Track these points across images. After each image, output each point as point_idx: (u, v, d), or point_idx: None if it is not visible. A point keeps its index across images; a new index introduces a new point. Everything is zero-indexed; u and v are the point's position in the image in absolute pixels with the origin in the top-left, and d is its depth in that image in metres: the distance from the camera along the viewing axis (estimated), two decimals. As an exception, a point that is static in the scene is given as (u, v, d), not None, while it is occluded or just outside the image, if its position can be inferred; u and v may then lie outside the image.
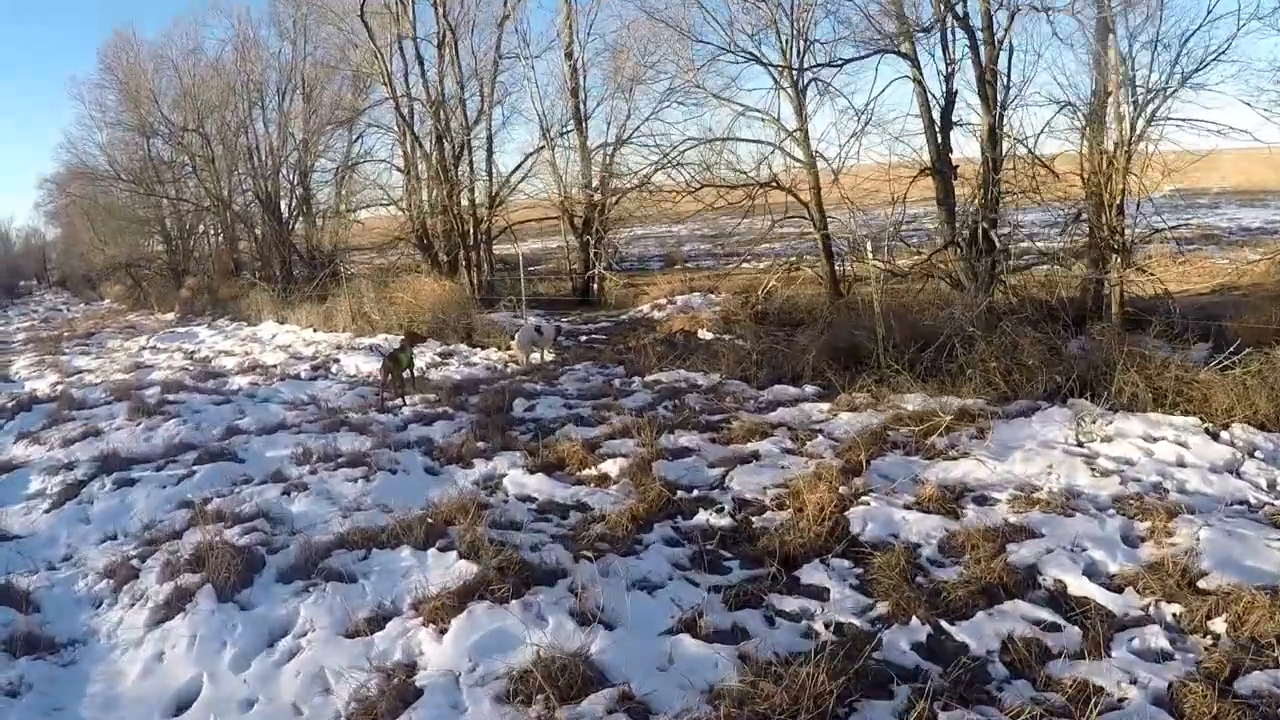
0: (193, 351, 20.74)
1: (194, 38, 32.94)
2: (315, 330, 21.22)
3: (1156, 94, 14.02)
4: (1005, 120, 14.66)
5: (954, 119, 15.20)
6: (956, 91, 14.94)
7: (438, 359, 15.86)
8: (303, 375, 16.01)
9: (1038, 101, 17.03)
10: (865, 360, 11.91)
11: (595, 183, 22.60)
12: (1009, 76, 14.50)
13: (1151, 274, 14.67)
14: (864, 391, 10.75)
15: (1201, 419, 8.65)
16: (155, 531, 8.23)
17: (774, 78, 17.54)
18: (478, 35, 24.19)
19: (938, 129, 15.27)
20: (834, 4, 16.66)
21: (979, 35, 14.36)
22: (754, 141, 17.87)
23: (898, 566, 6.19)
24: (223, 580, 6.71)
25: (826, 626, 5.60)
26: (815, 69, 17.10)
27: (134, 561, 7.49)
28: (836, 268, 17.90)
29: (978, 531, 6.65)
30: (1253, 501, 7.04)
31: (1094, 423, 8.62)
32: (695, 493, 8.19)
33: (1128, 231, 14.64)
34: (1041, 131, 14.79)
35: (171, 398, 14.19)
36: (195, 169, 31.77)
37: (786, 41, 17.54)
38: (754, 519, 7.39)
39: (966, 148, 15.97)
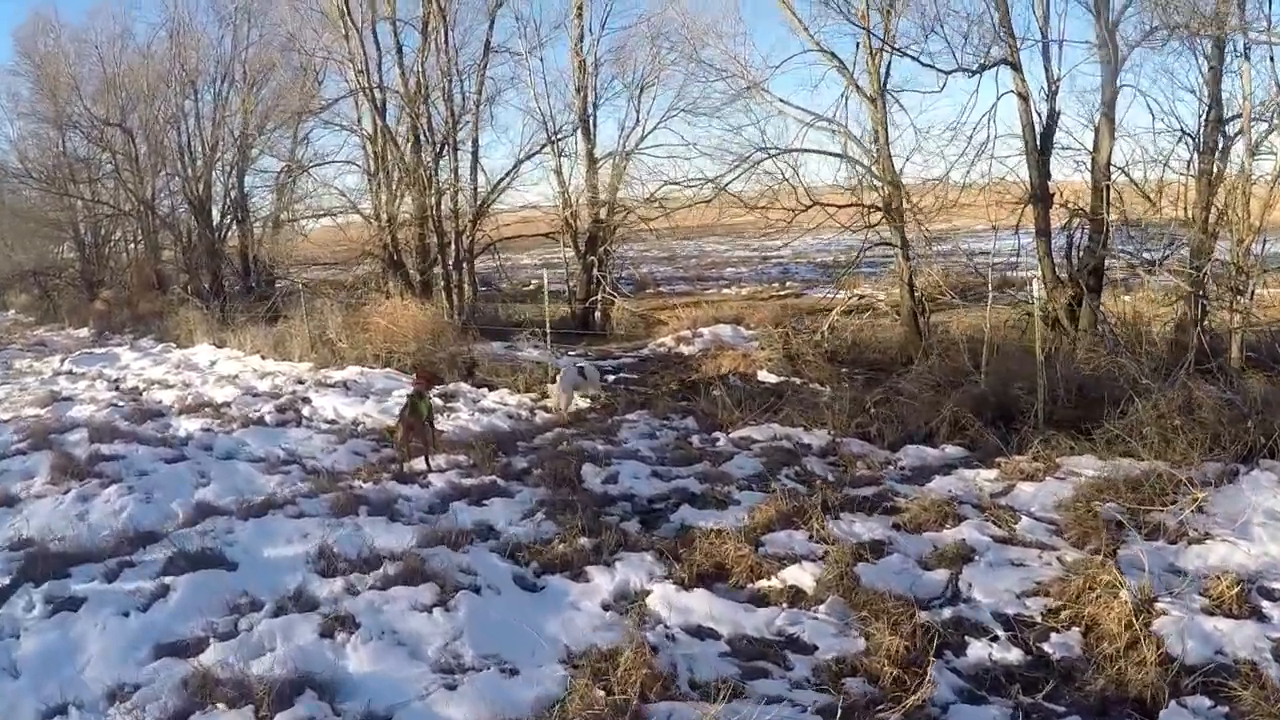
0: (117, 379, 17.22)
1: (122, 21, 29.23)
2: (264, 358, 17.86)
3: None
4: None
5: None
6: (1059, 112, 13.51)
7: (440, 403, 12.69)
8: (268, 420, 12.79)
9: (1138, 127, 14.75)
10: (1016, 416, 10.33)
11: (603, 194, 19.49)
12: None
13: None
14: (1025, 454, 9.33)
15: None
16: (130, 706, 5.19)
17: (859, 87, 14.86)
18: (469, 21, 21.00)
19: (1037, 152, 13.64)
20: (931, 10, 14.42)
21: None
22: (837, 156, 15.16)
23: (1264, 697, 4.97)
24: None
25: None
26: (895, 87, 15.01)
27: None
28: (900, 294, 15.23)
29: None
30: None
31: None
32: (937, 611, 6.21)
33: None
34: (1142, 159, 13.37)
35: (106, 449, 10.93)
36: (116, 168, 28.01)
37: (874, 51, 14.90)
38: (1042, 645, 5.78)
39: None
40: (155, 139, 27.17)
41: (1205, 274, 12.65)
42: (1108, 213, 13.06)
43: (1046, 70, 13.57)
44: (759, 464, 9.68)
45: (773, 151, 14.82)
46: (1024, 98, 13.50)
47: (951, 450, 9.84)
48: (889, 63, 15.07)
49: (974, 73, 13.85)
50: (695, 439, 10.98)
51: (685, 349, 16.66)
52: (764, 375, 14.03)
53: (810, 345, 14.54)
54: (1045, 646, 5.76)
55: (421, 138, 19.58)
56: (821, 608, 6.24)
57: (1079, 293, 13.07)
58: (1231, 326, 12.49)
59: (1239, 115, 13.63)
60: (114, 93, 27.58)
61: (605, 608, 6.37)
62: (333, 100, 21.40)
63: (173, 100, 26.48)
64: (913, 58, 14.42)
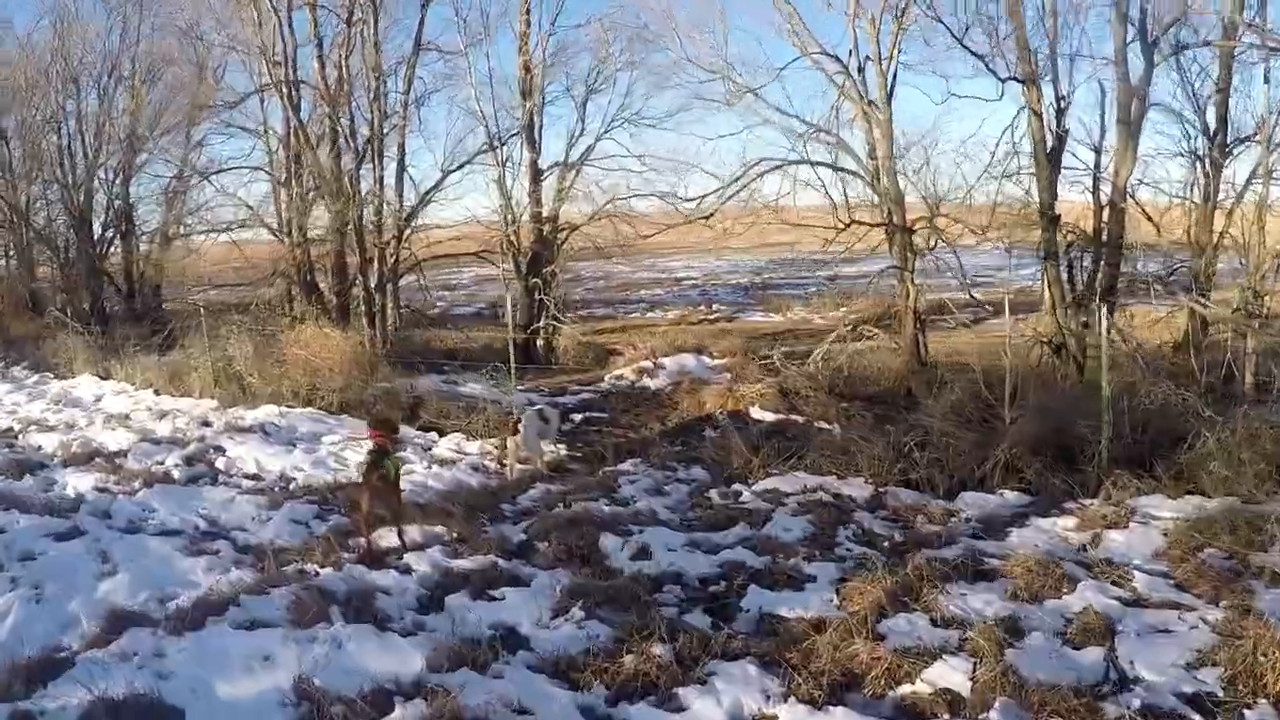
0: (-15, 418, 14.71)
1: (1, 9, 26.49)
2: (159, 394, 15.50)
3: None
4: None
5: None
6: (1068, 130, 12.88)
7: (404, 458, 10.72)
8: (176, 475, 10.67)
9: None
10: (1078, 456, 9.55)
11: (547, 208, 17.53)
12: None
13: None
14: (1095, 497, 8.80)
15: None
16: None
17: (861, 94, 13.47)
18: (399, 11, 18.83)
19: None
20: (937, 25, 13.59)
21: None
22: (843, 170, 13.61)
23: None
24: None
25: None
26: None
27: None
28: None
29: None
30: None
31: None
32: (1116, 700, 5.35)
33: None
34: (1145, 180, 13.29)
35: (-25, 521, 8.70)
36: (-13, 172, 25.07)
37: (882, 60, 13.63)
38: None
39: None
40: (32, 141, 24.52)
41: (1245, 299, 12.43)
42: (1116, 234, 12.51)
43: (1055, 87, 12.85)
44: (806, 524, 8.47)
45: (779, 164, 13.18)
46: (1038, 115, 12.60)
47: (1011, 496, 9.08)
48: (895, 74, 13.80)
49: (1002, 80, 12.89)
50: (714, 494, 9.62)
51: (650, 382, 15.01)
52: (757, 412, 12.49)
53: (804, 378, 12.92)
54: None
55: (342, 141, 17.41)
56: (993, 714, 5.15)
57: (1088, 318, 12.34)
58: (1246, 350, 12.21)
59: (1250, 137, 13.49)
60: (-14, 90, 24.71)
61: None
62: (243, 96, 19.11)
63: (53, 99, 23.82)
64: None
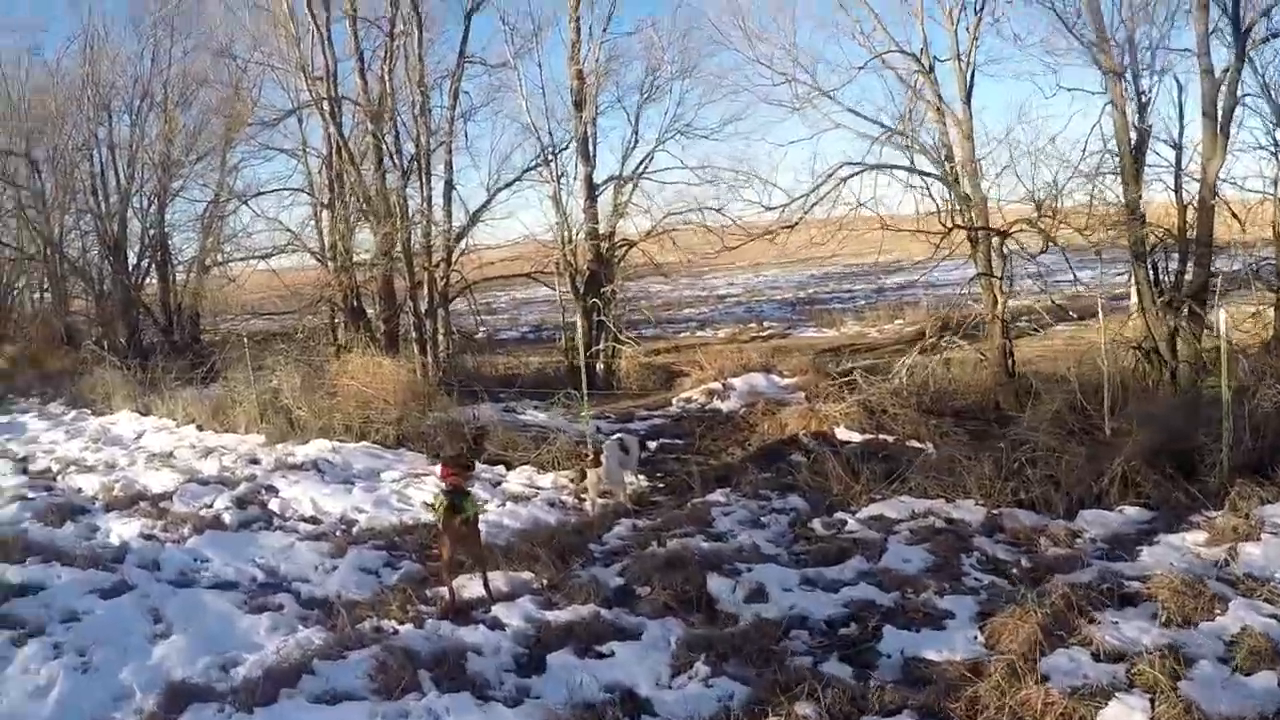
0: (24, 458, 13.95)
1: (30, 37, 26.00)
2: (202, 429, 14.71)
3: None
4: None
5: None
6: (1151, 127, 12.11)
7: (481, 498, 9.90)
8: (227, 520, 9.84)
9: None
10: (1198, 466, 8.98)
11: (603, 225, 16.66)
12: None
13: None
14: (1221, 509, 8.20)
15: None
16: None
17: (939, 96, 12.72)
18: (446, 22, 18.16)
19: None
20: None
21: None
22: (924, 174, 12.74)
23: None
24: None
25: None
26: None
27: None
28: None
29: None
30: None
31: None
32: None
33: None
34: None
35: (16, 574, 8.01)
36: (20, 205, 24.41)
37: (961, 57, 12.89)
38: None
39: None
40: (64, 171, 23.90)
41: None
42: (1206, 233, 11.55)
43: (1135, 81, 12.10)
44: (925, 553, 7.85)
45: (863, 168, 12.34)
46: (1122, 110, 11.82)
47: (1131, 512, 8.49)
48: (973, 72, 12.97)
49: (1105, 72, 11.94)
50: (817, 524, 8.85)
51: (721, 404, 14.07)
52: (843, 433, 11.67)
53: (888, 394, 12.03)
54: None
55: (387, 159, 16.62)
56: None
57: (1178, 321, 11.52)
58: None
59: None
60: (18, 118, 24.23)
61: None
62: (283, 114, 18.25)
63: (84, 126, 23.23)
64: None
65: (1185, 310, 11.24)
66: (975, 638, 6.16)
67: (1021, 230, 12.29)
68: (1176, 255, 11.88)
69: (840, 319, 25.00)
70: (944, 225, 12.43)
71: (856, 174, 12.48)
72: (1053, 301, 13.85)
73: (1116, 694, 5.27)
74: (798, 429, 11.88)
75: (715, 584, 7.15)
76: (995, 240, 12.46)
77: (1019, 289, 14.49)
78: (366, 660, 6.04)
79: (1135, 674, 5.48)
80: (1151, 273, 11.86)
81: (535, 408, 13.99)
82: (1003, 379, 12.59)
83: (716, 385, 14.70)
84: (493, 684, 5.80)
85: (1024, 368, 13.24)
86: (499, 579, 7.43)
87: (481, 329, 19.69)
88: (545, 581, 7.42)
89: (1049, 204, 12.10)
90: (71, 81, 23.85)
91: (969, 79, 13.14)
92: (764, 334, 24.10)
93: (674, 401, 14.87)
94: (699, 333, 25.49)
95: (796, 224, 12.69)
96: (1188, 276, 11.60)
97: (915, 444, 10.94)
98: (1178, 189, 12.08)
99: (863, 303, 28.09)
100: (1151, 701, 5.19)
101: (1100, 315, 11.44)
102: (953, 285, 17.69)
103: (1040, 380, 11.87)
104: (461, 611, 6.93)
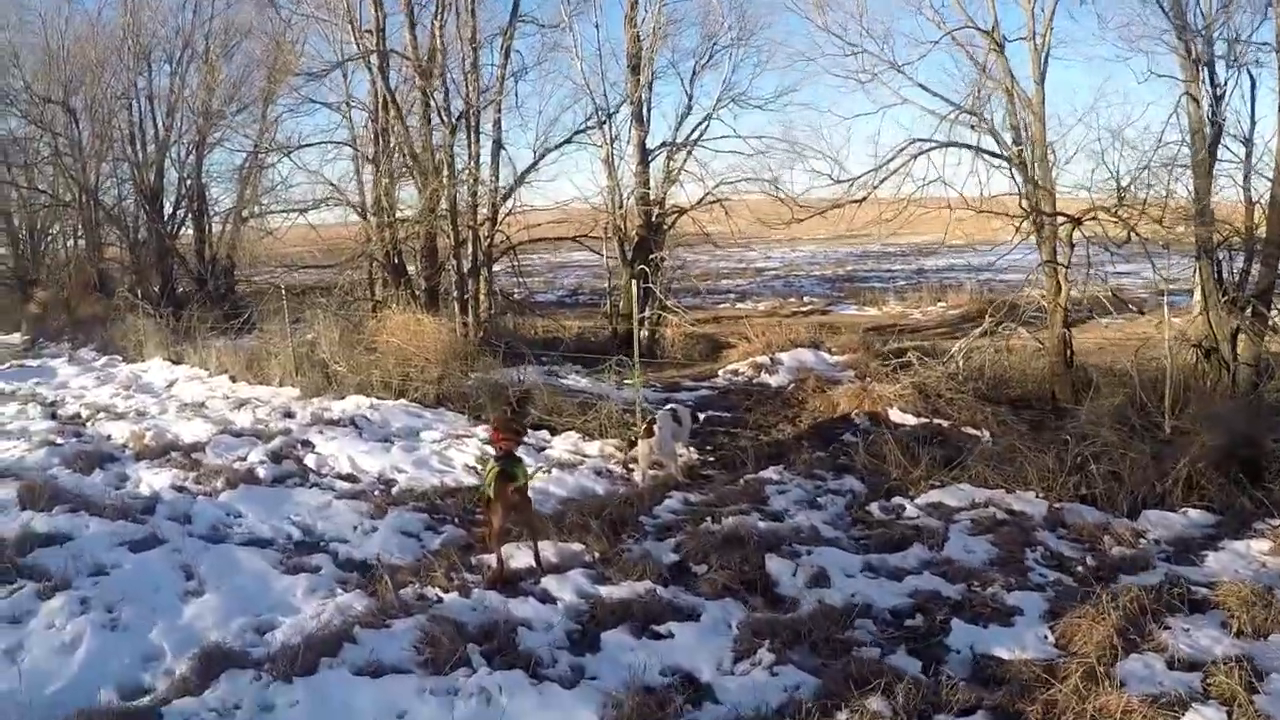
0: (54, 402, 13.74)
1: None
2: (235, 380, 14.43)
3: None
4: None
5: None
6: (1224, 121, 11.49)
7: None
8: (262, 474, 9.51)
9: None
10: (1262, 469, 8.61)
11: (653, 192, 16.23)
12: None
13: None
14: None
15: None
16: None
17: (1011, 75, 12.13)
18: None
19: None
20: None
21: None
22: (993, 155, 12.16)
23: None
24: None
25: None
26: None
27: None
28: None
29: None
30: None
31: None
32: None
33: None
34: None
35: (41, 524, 7.66)
36: (56, 151, 23.95)
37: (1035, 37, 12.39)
38: None
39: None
40: (102, 120, 23.48)
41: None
42: (1276, 232, 10.96)
43: (1211, 75, 11.54)
44: (988, 545, 7.50)
45: (933, 145, 11.83)
46: (1196, 100, 11.34)
47: (1195, 515, 8.11)
48: (1048, 51, 12.42)
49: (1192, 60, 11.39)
50: (874, 508, 8.44)
51: (769, 378, 13.57)
52: (897, 415, 11.20)
53: (944, 378, 11.57)
54: None
55: (436, 116, 16.16)
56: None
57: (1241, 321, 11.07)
58: None
59: None
60: (57, 66, 23.77)
61: None
62: (330, 65, 17.76)
63: (124, 75, 22.82)
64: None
65: (1249, 310, 10.83)
66: (1045, 637, 5.88)
67: (1094, 219, 11.76)
68: (1242, 253, 11.45)
69: (882, 298, 24.58)
70: (1022, 209, 11.88)
71: (925, 152, 11.97)
72: (1113, 294, 13.32)
73: (1193, 704, 5.03)
74: (850, 409, 11.42)
75: (775, 566, 6.78)
76: (1065, 228, 11.92)
77: (1079, 278, 13.99)
78: (411, 630, 5.65)
79: (1210, 684, 5.24)
80: (1216, 270, 11.40)
81: (577, 373, 13.60)
82: (1060, 369, 12.08)
83: (764, 359, 14.25)
84: (546, 662, 5.39)
85: (1080, 359, 12.78)
86: (548, 549, 7.04)
87: (519, 290, 19.20)
88: (597, 554, 7.01)
89: (1130, 194, 11.53)
90: (112, 31, 23.48)
91: (1043, 59, 12.58)
92: (804, 309, 23.78)
93: (720, 373, 14.44)
94: (739, 305, 25.15)
95: (864, 199, 12.17)
96: (1253, 276, 11.17)
97: (971, 430, 10.55)
98: (1246, 186, 11.61)
99: (903, 283, 27.69)
100: (1229, 714, 4.99)
101: (1165, 311, 10.95)
102: (994, 271, 17.21)
103: (1099, 373, 11.57)
104: (510, 582, 6.54)
